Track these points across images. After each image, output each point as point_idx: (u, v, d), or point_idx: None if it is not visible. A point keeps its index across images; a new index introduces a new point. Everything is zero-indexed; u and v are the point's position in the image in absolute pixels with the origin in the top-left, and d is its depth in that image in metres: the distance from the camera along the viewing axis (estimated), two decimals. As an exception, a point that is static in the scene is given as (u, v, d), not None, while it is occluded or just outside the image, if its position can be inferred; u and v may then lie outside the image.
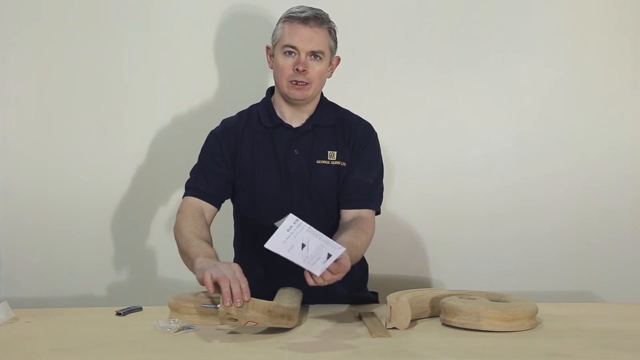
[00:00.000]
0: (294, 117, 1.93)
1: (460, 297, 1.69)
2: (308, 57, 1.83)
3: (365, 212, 1.89)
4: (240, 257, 2.01)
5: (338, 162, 1.90)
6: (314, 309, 1.83)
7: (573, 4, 2.57)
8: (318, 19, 1.83)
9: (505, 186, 2.57)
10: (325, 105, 1.97)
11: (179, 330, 1.57)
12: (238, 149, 1.92)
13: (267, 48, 1.93)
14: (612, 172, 2.58)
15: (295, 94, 1.85)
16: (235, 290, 1.47)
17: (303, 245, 1.50)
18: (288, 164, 1.89)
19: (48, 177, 2.50)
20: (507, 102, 2.57)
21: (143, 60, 2.50)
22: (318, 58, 1.84)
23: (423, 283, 2.54)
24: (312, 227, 1.52)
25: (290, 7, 1.88)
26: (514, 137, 2.57)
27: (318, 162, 1.90)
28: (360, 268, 2.05)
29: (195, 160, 1.95)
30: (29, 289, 2.48)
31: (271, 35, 1.91)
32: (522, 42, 2.55)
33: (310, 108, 1.93)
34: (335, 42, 1.90)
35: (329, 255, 1.51)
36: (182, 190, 1.92)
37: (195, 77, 2.51)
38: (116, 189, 2.51)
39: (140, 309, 1.81)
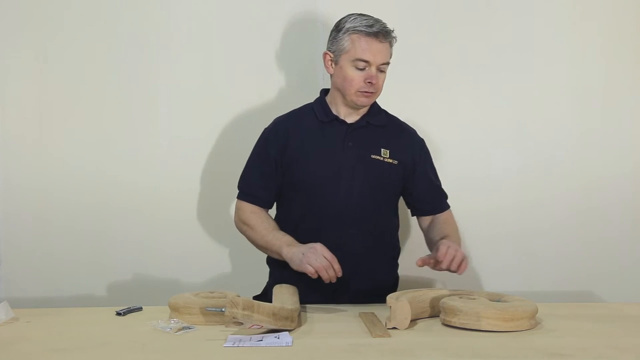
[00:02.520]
0: (349, 115, 2.02)
1: (460, 297, 1.69)
2: (377, 68, 1.92)
3: (447, 212, 2.15)
4: None
5: (390, 160, 2.01)
6: (314, 309, 1.83)
7: (573, 4, 2.57)
8: (386, 32, 1.92)
9: (504, 186, 2.57)
10: (377, 109, 2.07)
11: (179, 330, 1.57)
12: (288, 143, 1.99)
13: (326, 54, 1.99)
14: (612, 172, 2.58)
15: (364, 101, 1.97)
16: (331, 274, 1.77)
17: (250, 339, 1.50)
18: (341, 155, 1.97)
19: (48, 177, 2.50)
20: (506, 102, 2.56)
21: (143, 60, 2.50)
22: (384, 69, 1.96)
23: (423, 283, 2.54)
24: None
25: (352, 18, 1.93)
26: (513, 137, 2.57)
27: (373, 156, 1.98)
28: (390, 277, 2.15)
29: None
30: (29, 289, 2.48)
31: (330, 43, 1.97)
32: (522, 42, 2.55)
33: (365, 109, 2.03)
34: None
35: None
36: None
37: (195, 76, 2.51)
38: (116, 189, 2.50)
39: (140, 309, 1.81)
